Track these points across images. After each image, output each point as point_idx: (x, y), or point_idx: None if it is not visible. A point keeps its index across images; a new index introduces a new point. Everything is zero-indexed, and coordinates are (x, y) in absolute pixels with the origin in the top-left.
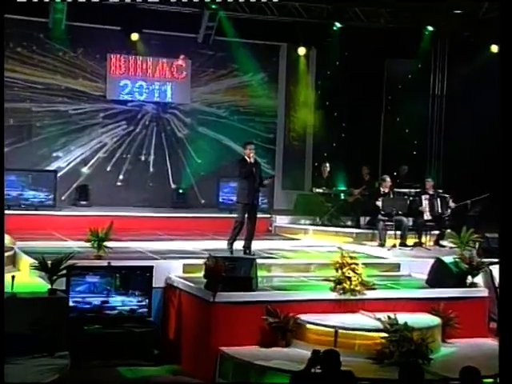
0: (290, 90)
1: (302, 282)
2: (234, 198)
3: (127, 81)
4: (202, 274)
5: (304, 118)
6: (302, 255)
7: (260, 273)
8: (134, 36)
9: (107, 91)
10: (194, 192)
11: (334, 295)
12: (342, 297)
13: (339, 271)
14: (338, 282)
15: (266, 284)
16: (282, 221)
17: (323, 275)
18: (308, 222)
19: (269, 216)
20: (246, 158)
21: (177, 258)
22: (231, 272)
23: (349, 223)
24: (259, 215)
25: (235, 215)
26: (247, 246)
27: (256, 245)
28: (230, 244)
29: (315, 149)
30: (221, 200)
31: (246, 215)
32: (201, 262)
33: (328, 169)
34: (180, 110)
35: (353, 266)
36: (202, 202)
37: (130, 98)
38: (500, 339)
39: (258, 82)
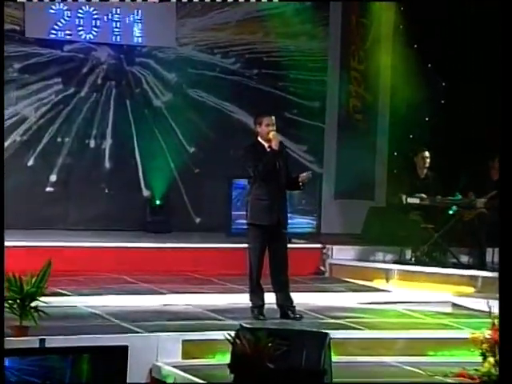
0: (350, 24)
1: (415, 377)
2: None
3: (63, 6)
4: (222, 360)
5: (375, 73)
6: (398, 321)
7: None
8: None
9: (26, 24)
10: (182, 204)
11: None
12: None
13: (488, 358)
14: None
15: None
16: (341, 254)
17: (451, 363)
18: (390, 256)
19: (318, 246)
20: (262, 141)
21: (169, 329)
22: (283, 360)
23: (465, 259)
24: (298, 244)
25: (247, 244)
26: (285, 303)
27: (300, 298)
28: (256, 298)
29: (394, 126)
30: (233, 216)
31: (267, 245)
32: (218, 336)
33: (428, 161)
34: (157, 58)
35: None
36: (197, 221)
37: (69, 38)
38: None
39: (293, 9)
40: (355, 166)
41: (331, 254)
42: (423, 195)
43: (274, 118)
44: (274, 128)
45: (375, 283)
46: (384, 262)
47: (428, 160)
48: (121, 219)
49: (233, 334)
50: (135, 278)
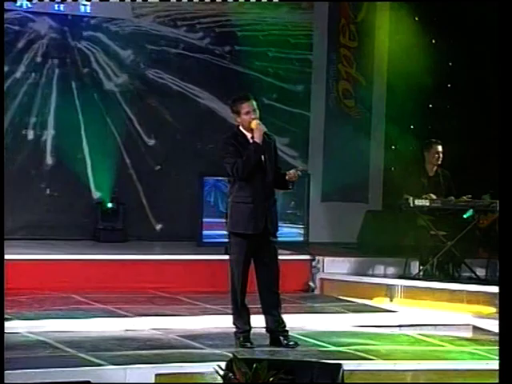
0: None
1: None
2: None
3: None
4: None
5: (369, 52)
6: (413, 349)
7: None
8: None
9: None
10: (140, 207)
11: None
12: None
13: None
14: None
15: None
16: (334, 267)
17: None
18: (393, 270)
19: (306, 258)
20: (244, 131)
21: (138, 360)
22: None
23: (483, 272)
24: (282, 256)
25: (229, 256)
26: (277, 327)
27: (289, 321)
28: (242, 321)
29: (392, 115)
30: (204, 223)
31: (253, 257)
32: (200, 369)
33: (441, 157)
34: (109, 32)
35: None
36: (159, 228)
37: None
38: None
39: None
40: (346, 161)
41: (322, 267)
42: (433, 196)
43: (254, 102)
44: (257, 115)
45: (376, 302)
46: (385, 276)
47: (441, 155)
48: (66, 226)
49: (223, 365)
50: (87, 298)
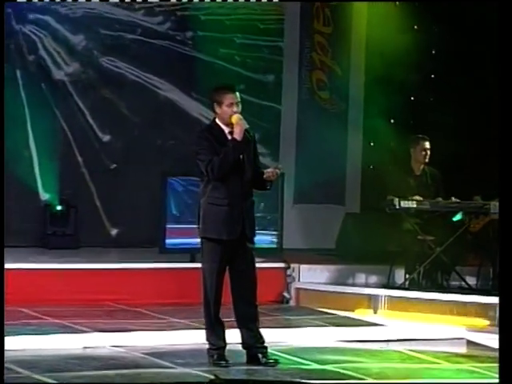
0: None
1: None
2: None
3: None
4: None
5: (345, 38)
6: (406, 367)
7: None
8: None
9: None
10: (94, 210)
11: None
12: None
13: None
14: None
15: None
16: (311, 276)
17: None
18: (376, 278)
19: (280, 266)
20: (222, 125)
21: (102, 381)
22: None
23: (472, 281)
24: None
25: (201, 265)
26: (255, 343)
27: (265, 336)
28: (216, 337)
29: (371, 108)
30: (168, 227)
31: (228, 266)
32: None
33: (428, 154)
34: (59, 15)
35: None
36: (114, 233)
37: None
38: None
39: None
40: (320, 159)
41: (298, 276)
42: (419, 198)
43: (238, 94)
44: (239, 109)
45: (359, 314)
46: (368, 285)
47: (429, 153)
48: (11, 232)
49: None
50: (38, 311)
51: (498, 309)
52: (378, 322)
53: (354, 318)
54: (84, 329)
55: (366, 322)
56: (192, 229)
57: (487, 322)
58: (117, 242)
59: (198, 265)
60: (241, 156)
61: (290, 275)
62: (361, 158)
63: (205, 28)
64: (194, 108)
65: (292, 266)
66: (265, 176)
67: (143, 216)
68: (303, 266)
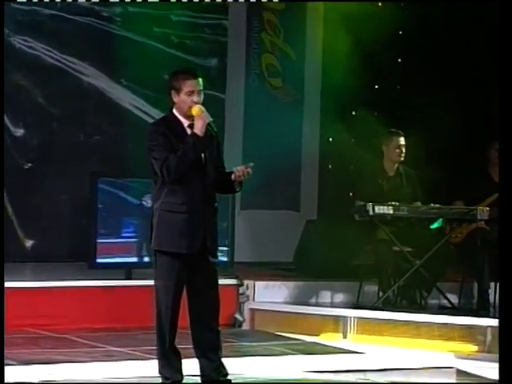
0: None
1: None
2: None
3: None
4: None
5: (300, 16)
6: None
7: None
8: None
9: None
10: (5, 219)
11: None
12: None
13: None
14: None
15: None
16: (267, 295)
17: None
18: (344, 297)
19: (231, 283)
20: (180, 117)
21: None
22: None
23: (454, 299)
24: None
25: (154, 282)
26: (216, 375)
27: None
28: (171, 368)
29: (330, 98)
30: (99, 239)
31: (186, 284)
32: None
33: (403, 152)
34: None
35: None
36: (30, 245)
37: None
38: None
39: None
40: (271, 157)
41: (252, 295)
42: (395, 203)
43: (201, 80)
44: (201, 98)
45: (326, 339)
46: (334, 305)
47: (404, 150)
48: None
49: None
50: None
51: (487, 332)
52: (351, 349)
53: (322, 344)
54: (7, 361)
55: (338, 348)
56: (130, 244)
57: (475, 348)
58: (33, 256)
59: (135, 282)
60: (202, 154)
61: (243, 294)
62: (318, 155)
63: (135, 3)
64: (124, 97)
65: (246, 282)
66: (233, 176)
67: (65, 225)
68: (258, 283)
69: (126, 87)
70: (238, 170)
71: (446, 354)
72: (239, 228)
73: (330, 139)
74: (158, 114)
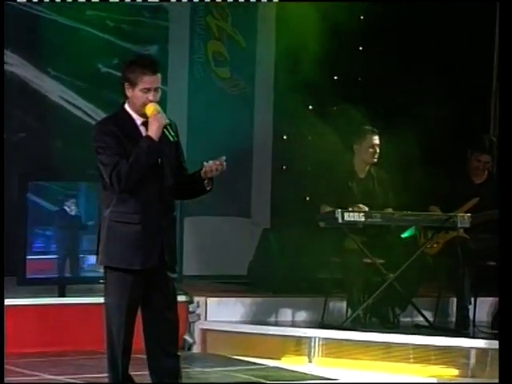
0: None
1: None
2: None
3: None
4: None
5: None
6: None
7: None
8: None
9: None
10: None
11: None
12: None
13: None
14: None
15: None
16: (220, 314)
17: None
18: (306, 315)
19: (181, 300)
20: (131, 112)
21: None
22: None
23: (429, 317)
24: None
25: (104, 299)
26: None
27: None
28: None
29: (284, 91)
30: (30, 252)
31: (140, 302)
32: None
33: (377, 152)
34: None
35: None
36: None
37: None
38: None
39: None
40: (217, 156)
41: (204, 314)
42: (365, 208)
43: (160, 76)
44: (158, 95)
45: (288, 362)
46: (296, 325)
47: (378, 150)
48: None
49: None
50: None
51: (470, 354)
52: (320, 374)
53: (286, 369)
54: None
55: (307, 375)
56: (61, 257)
57: (455, 372)
58: None
59: (69, 300)
60: (159, 160)
61: (193, 312)
62: (271, 155)
63: None
64: (52, 89)
65: (196, 299)
66: (203, 172)
67: None
68: (210, 300)
69: (54, 78)
70: (210, 164)
71: (423, 379)
72: (185, 238)
73: (285, 137)
74: (91, 109)
